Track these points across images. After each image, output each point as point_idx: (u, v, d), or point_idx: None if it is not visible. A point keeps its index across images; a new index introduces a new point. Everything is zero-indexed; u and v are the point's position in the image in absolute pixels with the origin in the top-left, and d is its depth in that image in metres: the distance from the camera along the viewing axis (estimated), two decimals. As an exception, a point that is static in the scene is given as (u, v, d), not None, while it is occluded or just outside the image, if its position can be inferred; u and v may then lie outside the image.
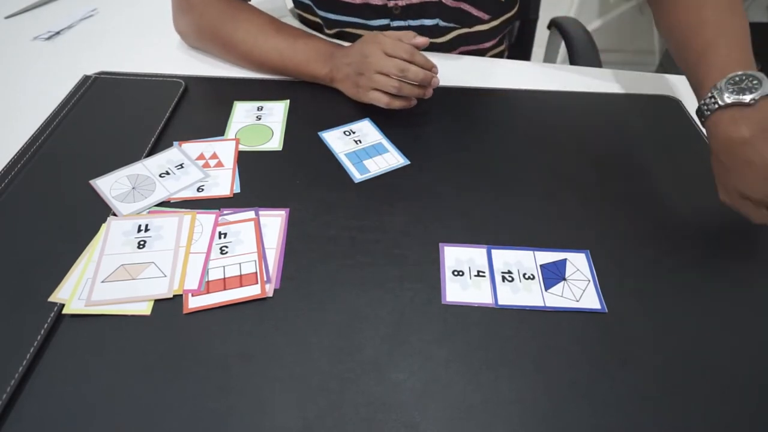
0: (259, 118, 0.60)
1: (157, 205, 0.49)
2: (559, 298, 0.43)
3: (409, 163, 0.56)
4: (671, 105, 0.66)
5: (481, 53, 0.77)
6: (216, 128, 0.59)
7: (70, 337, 0.39)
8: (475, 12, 0.70)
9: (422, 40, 0.56)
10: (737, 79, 0.42)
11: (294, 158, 0.56)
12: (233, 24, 0.65)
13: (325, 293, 0.43)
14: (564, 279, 0.45)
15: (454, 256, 0.46)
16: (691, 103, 0.66)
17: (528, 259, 0.46)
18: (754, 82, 0.41)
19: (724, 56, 0.45)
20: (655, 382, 0.38)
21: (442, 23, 0.70)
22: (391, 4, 0.67)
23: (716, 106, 0.42)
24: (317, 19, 0.74)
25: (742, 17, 0.48)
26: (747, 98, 0.40)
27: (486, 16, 0.71)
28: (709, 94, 0.43)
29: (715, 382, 0.38)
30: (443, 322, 0.41)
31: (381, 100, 0.58)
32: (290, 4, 0.88)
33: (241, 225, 0.47)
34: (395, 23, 0.69)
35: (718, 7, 0.48)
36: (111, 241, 0.45)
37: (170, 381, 0.37)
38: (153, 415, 0.35)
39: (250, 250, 0.45)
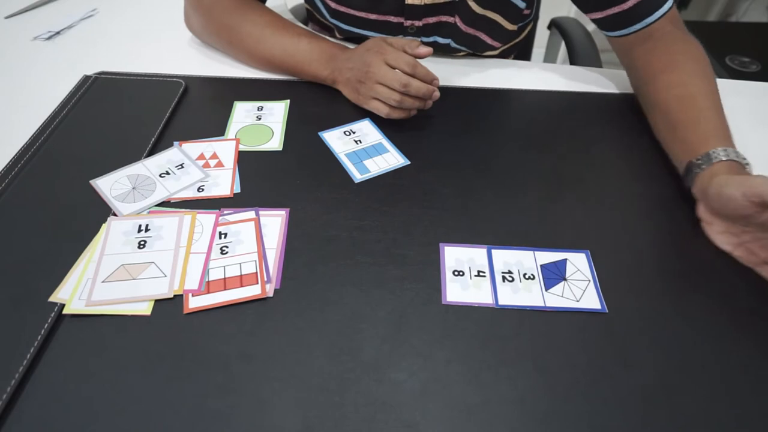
0: (259, 118, 0.60)
1: (158, 205, 0.49)
2: (560, 298, 0.43)
3: (409, 163, 0.56)
4: (671, 105, 0.66)
5: None
6: (216, 128, 0.59)
7: (70, 337, 0.39)
8: (489, 41, 0.70)
9: (425, 51, 0.56)
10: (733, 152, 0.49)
11: (294, 158, 0.56)
12: (240, 19, 0.65)
13: (325, 293, 0.43)
14: (564, 279, 0.45)
15: (454, 256, 0.46)
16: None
17: (528, 259, 0.46)
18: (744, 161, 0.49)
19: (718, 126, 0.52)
20: (655, 382, 0.38)
21: (454, 44, 0.70)
22: (407, 23, 0.67)
23: (719, 159, 0.48)
24: (328, 24, 0.74)
25: (714, 83, 0.57)
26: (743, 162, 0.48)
27: (498, 44, 0.72)
28: (715, 150, 0.49)
29: (715, 382, 0.38)
30: (443, 322, 0.41)
31: (381, 111, 0.58)
32: (290, 4, 0.88)
33: (241, 225, 0.47)
34: (407, 38, 0.70)
35: (700, 80, 0.57)
36: (111, 241, 0.45)
37: (170, 381, 0.37)
38: (153, 415, 0.35)
39: (250, 250, 0.45)
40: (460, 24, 0.67)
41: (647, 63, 0.61)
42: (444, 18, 0.67)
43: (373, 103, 0.58)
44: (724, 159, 0.48)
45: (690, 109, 0.54)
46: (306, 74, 0.64)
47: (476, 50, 0.72)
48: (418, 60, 0.56)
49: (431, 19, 0.67)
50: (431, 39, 0.70)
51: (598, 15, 0.63)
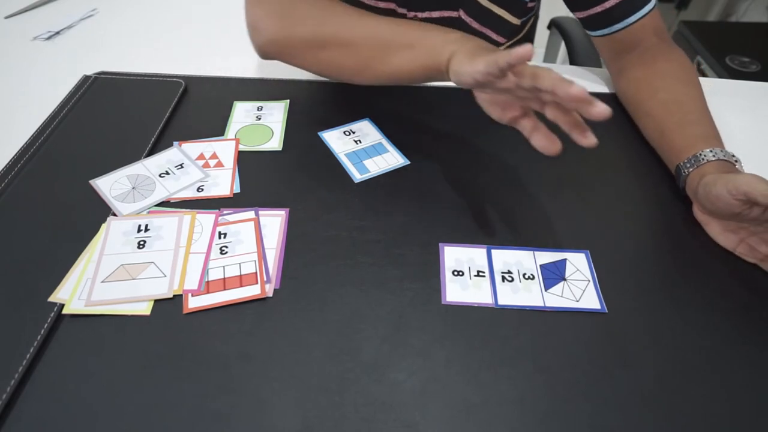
0: (259, 118, 0.60)
1: (157, 205, 0.49)
2: (559, 298, 0.43)
3: (409, 163, 0.56)
4: (671, 105, 0.66)
5: None
6: (216, 128, 0.59)
7: (70, 337, 0.39)
8: (494, 36, 0.70)
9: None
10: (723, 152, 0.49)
11: (294, 158, 0.56)
12: (320, 6, 0.54)
13: (325, 293, 0.43)
14: (564, 279, 0.45)
15: (454, 256, 0.46)
16: (691, 103, 0.66)
17: (528, 259, 0.46)
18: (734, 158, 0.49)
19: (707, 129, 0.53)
20: (655, 382, 0.38)
21: None
22: (409, 15, 0.67)
23: (714, 158, 0.48)
24: None
25: (700, 90, 0.58)
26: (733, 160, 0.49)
27: (503, 40, 0.72)
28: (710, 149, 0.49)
29: (714, 382, 0.38)
30: (443, 322, 0.41)
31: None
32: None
33: (241, 225, 0.47)
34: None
35: (684, 85, 0.58)
36: (111, 241, 0.45)
37: (170, 381, 0.37)
38: (153, 415, 0.35)
39: (250, 250, 0.45)
40: (465, 18, 0.67)
41: (633, 71, 0.62)
42: (447, 13, 0.67)
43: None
44: (712, 159, 0.48)
45: (675, 113, 0.55)
46: (422, 48, 0.48)
47: None
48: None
49: (435, 13, 0.67)
50: None
51: (582, 14, 0.64)
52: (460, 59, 0.43)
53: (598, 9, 0.62)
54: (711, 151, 0.49)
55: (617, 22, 0.62)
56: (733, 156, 0.49)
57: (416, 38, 0.49)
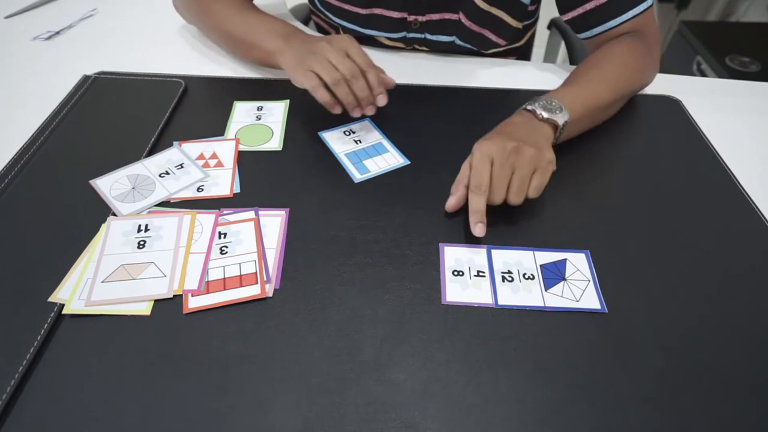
0: (259, 118, 0.60)
1: (157, 205, 0.49)
2: (559, 298, 0.43)
3: (409, 163, 0.56)
4: (671, 105, 0.66)
5: None
6: (216, 128, 0.59)
7: (70, 337, 0.39)
8: (494, 38, 0.70)
9: (391, 82, 0.57)
10: (548, 102, 0.53)
11: (294, 158, 0.56)
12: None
13: (325, 293, 0.43)
14: (564, 279, 0.45)
15: (454, 256, 0.46)
16: (690, 103, 0.66)
17: (528, 259, 0.46)
18: (555, 105, 0.53)
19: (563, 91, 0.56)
20: (655, 382, 0.38)
21: (458, 41, 0.70)
22: (410, 18, 0.67)
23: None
24: (333, 24, 0.74)
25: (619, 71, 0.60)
26: (538, 112, 0.52)
27: (503, 42, 0.72)
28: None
29: (715, 382, 0.38)
30: (443, 322, 0.41)
31: (311, 82, 0.54)
32: (290, 4, 0.88)
33: (241, 225, 0.47)
34: (411, 35, 0.70)
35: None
36: (111, 241, 0.45)
37: (170, 381, 0.37)
38: (153, 415, 0.35)
39: (250, 250, 0.45)
40: (464, 21, 0.67)
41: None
42: (447, 15, 0.67)
43: (308, 74, 0.54)
44: (528, 108, 0.53)
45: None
46: (253, 46, 0.62)
47: (481, 48, 0.72)
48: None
49: (435, 16, 0.67)
50: (435, 37, 0.70)
51: (567, 16, 0.65)
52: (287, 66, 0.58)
53: (580, 11, 0.63)
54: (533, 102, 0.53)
55: (598, 25, 0.63)
56: (548, 108, 0.52)
57: (256, 41, 0.62)
